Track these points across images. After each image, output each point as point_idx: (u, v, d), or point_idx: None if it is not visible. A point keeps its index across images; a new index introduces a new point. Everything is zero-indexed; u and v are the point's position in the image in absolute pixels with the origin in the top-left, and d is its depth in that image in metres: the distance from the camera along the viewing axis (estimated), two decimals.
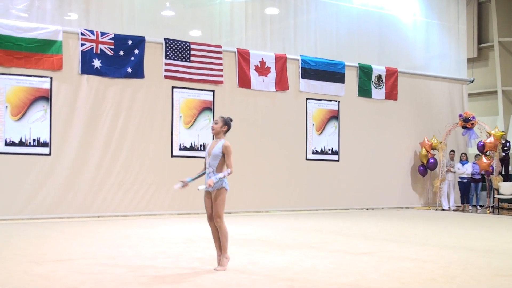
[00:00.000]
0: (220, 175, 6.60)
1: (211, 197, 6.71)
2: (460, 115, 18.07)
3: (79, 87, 13.40)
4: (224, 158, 6.68)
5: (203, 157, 7.11)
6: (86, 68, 13.44)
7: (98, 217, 13.38)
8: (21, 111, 12.76)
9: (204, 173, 6.87)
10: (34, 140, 12.85)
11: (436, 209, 17.77)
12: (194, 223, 12.36)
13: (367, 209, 17.38)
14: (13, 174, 12.60)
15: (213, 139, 7.01)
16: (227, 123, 6.84)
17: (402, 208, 18.00)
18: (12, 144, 12.63)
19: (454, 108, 19.49)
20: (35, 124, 12.88)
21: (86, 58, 13.42)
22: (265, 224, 12.60)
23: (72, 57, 13.34)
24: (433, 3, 19.68)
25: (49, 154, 12.99)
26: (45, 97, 12.99)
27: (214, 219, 6.70)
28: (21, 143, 12.72)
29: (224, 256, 6.74)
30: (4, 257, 7.49)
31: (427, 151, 18.07)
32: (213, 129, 6.83)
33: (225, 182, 6.69)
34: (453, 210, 17.65)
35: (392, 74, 18.15)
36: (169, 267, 6.90)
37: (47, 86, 13.02)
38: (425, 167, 18.25)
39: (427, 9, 19.53)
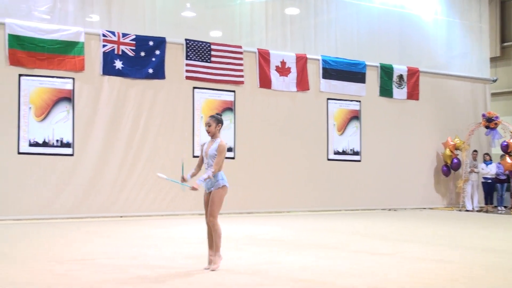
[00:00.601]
0: (204, 176, 6.56)
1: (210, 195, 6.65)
2: (483, 115, 17.87)
3: (101, 88, 13.52)
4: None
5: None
6: (108, 69, 13.55)
7: (120, 217, 13.47)
8: (45, 112, 12.91)
9: (195, 173, 6.91)
10: (57, 141, 12.99)
11: (460, 210, 17.59)
12: None
13: (389, 209, 17.26)
14: (37, 174, 12.74)
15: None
16: (219, 120, 6.76)
17: (424, 208, 17.84)
18: (36, 144, 12.78)
19: (477, 108, 19.27)
20: (58, 125, 13.02)
21: (108, 59, 13.53)
22: (286, 224, 12.58)
23: (94, 58, 13.46)
24: (454, 2, 19.47)
25: (72, 155, 13.11)
26: (68, 98, 13.13)
27: (208, 217, 6.62)
28: (45, 144, 12.86)
29: (217, 254, 6.67)
30: (27, 257, 7.59)
31: (451, 151, 17.89)
32: (209, 133, 6.73)
33: (225, 179, 6.65)
34: (477, 211, 17.44)
35: (413, 73, 18.00)
36: (189, 267, 6.92)
37: (70, 87, 13.16)
38: (449, 167, 18.07)
39: (448, 8, 19.33)
